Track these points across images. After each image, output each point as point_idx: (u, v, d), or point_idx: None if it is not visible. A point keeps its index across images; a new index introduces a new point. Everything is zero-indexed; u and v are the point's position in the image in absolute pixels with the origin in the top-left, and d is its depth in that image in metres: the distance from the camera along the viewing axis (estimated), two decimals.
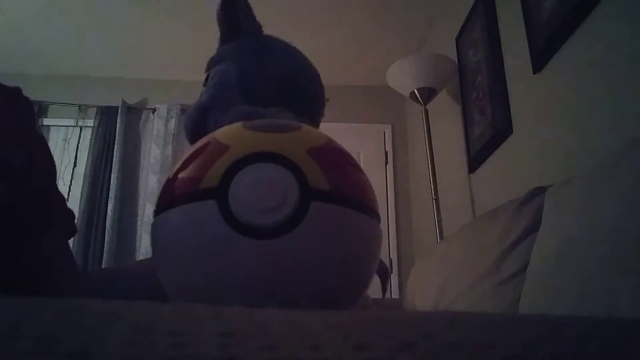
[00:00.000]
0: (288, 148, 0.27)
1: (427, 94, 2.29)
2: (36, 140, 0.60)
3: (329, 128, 0.90)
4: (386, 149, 3.25)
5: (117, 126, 3.19)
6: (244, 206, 0.26)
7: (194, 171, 0.28)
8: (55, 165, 0.64)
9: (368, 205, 0.30)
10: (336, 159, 0.30)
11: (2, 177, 0.52)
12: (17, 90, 0.60)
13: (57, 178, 0.65)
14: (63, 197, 0.64)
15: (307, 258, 0.27)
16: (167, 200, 0.30)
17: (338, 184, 0.28)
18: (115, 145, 3.15)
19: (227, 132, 0.30)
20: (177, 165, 0.31)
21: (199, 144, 0.32)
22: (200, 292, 0.27)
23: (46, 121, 3.16)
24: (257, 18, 0.77)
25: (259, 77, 0.61)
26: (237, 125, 0.30)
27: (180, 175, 0.30)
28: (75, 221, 0.65)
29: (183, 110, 3.27)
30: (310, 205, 0.27)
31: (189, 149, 0.32)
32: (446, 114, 2.45)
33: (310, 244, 0.27)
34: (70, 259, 0.61)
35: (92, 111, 3.28)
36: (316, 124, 0.59)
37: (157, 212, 0.30)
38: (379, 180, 3.15)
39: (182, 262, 0.28)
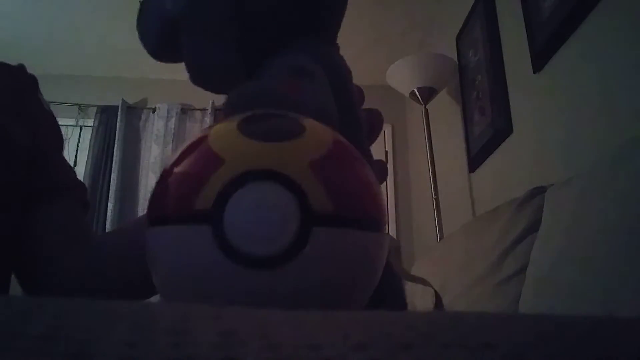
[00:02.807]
0: (288, 163, 0.25)
1: (427, 93, 2.29)
2: (39, 114, 0.61)
3: None
4: (386, 149, 3.25)
5: (117, 126, 3.19)
6: (241, 234, 0.24)
7: (186, 186, 0.26)
8: (62, 138, 0.64)
9: (376, 220, 0.28)
10: (342, 169, 0.27)
11: (5, 152, 0.52)
12: (20, 67, 0.61)
13: (64, 149, 0.65)
14: (72, 168, 0.64)
15: (309, 287, 0.25)
16: (159, 212, 0.27)
17: (343, 203, 0.26)
18: (115, 145, 3.15)
19: (222, 140, 0.27)
20: (168, 166, 0.29)
21: (193, 139, 0.29)
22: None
23: None
24: None
25: None
26: (232, 130, 0.27)
27: (171, 184, 0.27)
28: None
29: (183, 110, 3.27)
30: (312, 231, 0.24)
31: (182, 146, 0.30)
32: (446, 114, 2.45)
33: (312, 273, 0.25)
34: (84, 227, 0.61)
35: (92, 111, 3.28)
36: (333, 38, 0.45)
37: (150, 221, 0.28)
38: None
39: (175, 284, 0.27)
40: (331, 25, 0.44)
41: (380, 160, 0.39)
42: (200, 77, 0.41)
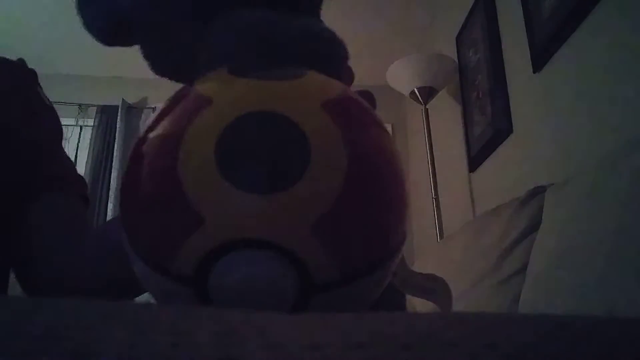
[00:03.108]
0: (284, 227, 0.19)
1: (427, 93, 2.29)
2: (40, 108, 0.61)
3: None
4: None
5: (117, 125, 3.18)
6: (230, 305, 0.20)
7: (160, 241, 0.21)
8: (62, 132, 0.64)
9: (394, 249, 0.23)
10: (357, 215, 0.21)
11: (8, 146, 0.52)
12: (20, 61, 0.61)
13: (64, 142, 0.65)
14: (72, 162, 0.64)
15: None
16: (137, 245, 0.22)
17: (354, 262, 0.21)
18: (115, 145, 3.15)
19: (199, 183, 0.20)
20: (144, 129, 0.23)
21: (167, 130, 0.22)
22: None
23: None
24: None
25: None
26: (211, 165, 0.20)
27: (143, 217, 0.21)
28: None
29: None
30: (311, 299, 0.21)
31: (162, 107, 0.24)
32: (446, 114, 2.45)
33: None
34: (83, 219, 0.61)
35: (92, 110, 3.28)
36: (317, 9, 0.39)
37: (130, 244, 0.23)
38: None
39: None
40: None
41: (366, 91, 0.34)
42: (159, 70, 0.39)
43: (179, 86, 0.35)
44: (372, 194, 0.22)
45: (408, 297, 0.42)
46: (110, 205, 3.00)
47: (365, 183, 0.21)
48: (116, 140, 3.16)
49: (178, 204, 0.20)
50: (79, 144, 3.24)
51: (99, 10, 0.39)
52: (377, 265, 0.22)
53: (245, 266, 0.19)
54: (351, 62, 0.41)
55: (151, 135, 0.23)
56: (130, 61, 3.46)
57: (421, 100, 2.30)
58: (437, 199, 2.22)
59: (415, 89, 2.28)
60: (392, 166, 0.24)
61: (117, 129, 3.17)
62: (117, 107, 3.24)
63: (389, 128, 3.36)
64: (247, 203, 0.19)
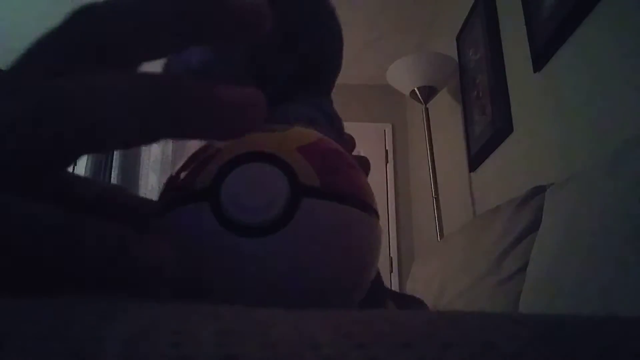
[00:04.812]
0: (278, 147, 0.28)
1: (428, 92, 2.29)
2: None
3: None
4: (386, 148, 3.25)
5: None
6: (236, 205, 0.27)
7: (187, 175, 0.30)
8: None
9: (363, 201, 0.31)
10: (328, 156, 0.31)
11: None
12: None
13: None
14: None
15: (300, 255, 0.27)
16: (163, 205, 0.31)
17: (329, 180, 0.28)
18: None
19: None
20: (174, 171, 0.32)
21: (196, 149, 0.33)
22: (198, 295, 0.27)
23: None
24: None
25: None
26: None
27: (175, 180, 0.31)
28: None
29: None
30: (301, 202, 0.27)
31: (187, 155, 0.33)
32: (446, 113, 2.45)
33: (302, 241, 0.27)
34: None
35: None
36: (329, 92, 0.55)
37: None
38: (379, 179, 3.15)
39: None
40: (329, 83, 0.55)
41: (362, 156, 0.46)
42: None
43: None
44: (340, 155, 0.30)
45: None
46: None
47: (334, 148, 0.30)
48: None
49: (204, 149, 0.29)
50: None
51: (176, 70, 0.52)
52: (354, 201, 0.29)
53: (246, 170, 0.27)
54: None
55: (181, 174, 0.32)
56: None
57: (421, 100, 2.30)
58: (437, 199, 2.22)
59: (415, 89, 2.29)
60: (357, 165, 0.32)
61: None
62: None
63: (389, 127, 3.38)
64: (252, 136, 0.27)
